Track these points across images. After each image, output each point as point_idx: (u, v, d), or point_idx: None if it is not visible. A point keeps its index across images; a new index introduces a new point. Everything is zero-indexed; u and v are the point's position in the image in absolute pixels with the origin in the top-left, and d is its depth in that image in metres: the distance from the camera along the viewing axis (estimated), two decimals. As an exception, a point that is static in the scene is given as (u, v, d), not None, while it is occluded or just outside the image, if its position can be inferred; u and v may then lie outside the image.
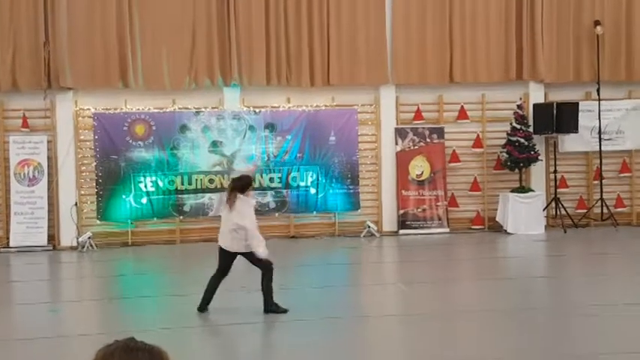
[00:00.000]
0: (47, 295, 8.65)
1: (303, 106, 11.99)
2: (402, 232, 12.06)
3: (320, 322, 6.53)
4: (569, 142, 12.45)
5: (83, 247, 11.01)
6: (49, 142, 11.50)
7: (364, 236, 11.81)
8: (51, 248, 11.24)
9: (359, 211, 12.12)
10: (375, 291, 8.14)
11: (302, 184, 11.93)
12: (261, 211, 11.73)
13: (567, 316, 6.60)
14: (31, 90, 11.27)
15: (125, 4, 11.40)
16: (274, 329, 6.60)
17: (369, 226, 11.87)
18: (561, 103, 11.98)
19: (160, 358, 1.90)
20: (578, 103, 12.07)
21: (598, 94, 12.19)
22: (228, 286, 6.97)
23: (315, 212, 12.06)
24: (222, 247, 6.72)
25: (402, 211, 12.15)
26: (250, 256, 6.66)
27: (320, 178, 11.95)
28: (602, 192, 12.27)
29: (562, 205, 12.03)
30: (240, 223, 6.51)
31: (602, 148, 12.31)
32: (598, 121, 12.24)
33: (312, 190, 11.96)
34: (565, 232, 11.72)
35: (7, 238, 11.26)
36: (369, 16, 12.02)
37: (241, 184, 6.73)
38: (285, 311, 6.67)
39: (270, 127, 11.86)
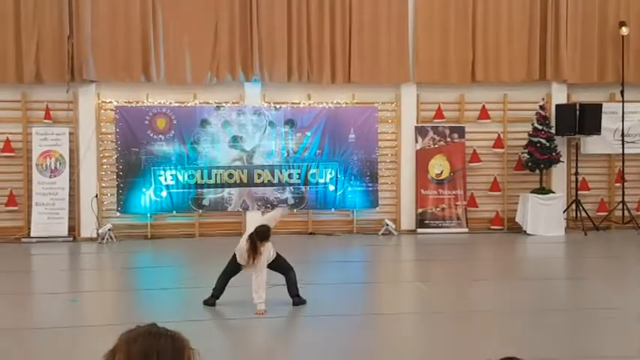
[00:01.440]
0: (67, 284, 8.74)
1: (324, 103, 11.99)
2: (420, 231, 12.01)
3: (336, 319, 6.53)
4: (591, 144, 12.31)
5: (103, 238, 11.11)
6: (71, 134, 11.62)
7: (382, 234, 11.79)
8: (71, 239, 11.36)
9: (377, 209, 12.10)
10: (392, 289, 8.12)
11: (321, 180, 11.93)
12: (279, 206, 11.79)
13: (587, 318, 6.53)
14: (54, 82, 11.39)
15: (149, -1, 11.49)
16: (291, 324, 6.62)
17: (387, 225, 11.84)
18: (584, 105, 11.84)
19: (181, 345, 1.91)
20: (601, 105, 11.93)
21: (622, 96, 12.03)
22: (246, 281, 6.99)
23: (333, 209, 12.06)
24: (238, 261, 6.78)
25: (420, 210, 12.10)
26: (271, 264, 6.74)
27: (339, 175, 11.94)
28: (623, 195, 12.13)
29: (583, 207, 11.90)
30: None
31: (625, 151, 12.16)
32: (621, 123, 12.09)
33: (331, 187, 11.95)
34: (585, 234, 11.60)
35: (29, 229, 11.41)
36: (392, 14, 11.98)
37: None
38: (303, 302, 6.81)
39: (290, 123, 11.87)
